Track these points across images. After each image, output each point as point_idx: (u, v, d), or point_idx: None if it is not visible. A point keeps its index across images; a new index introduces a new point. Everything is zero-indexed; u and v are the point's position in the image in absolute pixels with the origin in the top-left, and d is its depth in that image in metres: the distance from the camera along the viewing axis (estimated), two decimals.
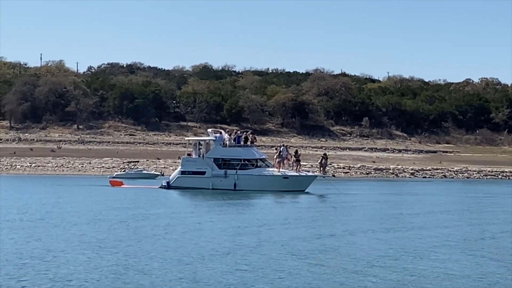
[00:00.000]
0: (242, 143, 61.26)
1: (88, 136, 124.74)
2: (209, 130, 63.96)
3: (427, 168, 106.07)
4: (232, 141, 61.17)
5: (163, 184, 61.81)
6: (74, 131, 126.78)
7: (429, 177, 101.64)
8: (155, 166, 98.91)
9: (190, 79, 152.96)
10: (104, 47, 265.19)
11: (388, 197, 58.00)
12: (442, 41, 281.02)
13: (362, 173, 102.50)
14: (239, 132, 66.65)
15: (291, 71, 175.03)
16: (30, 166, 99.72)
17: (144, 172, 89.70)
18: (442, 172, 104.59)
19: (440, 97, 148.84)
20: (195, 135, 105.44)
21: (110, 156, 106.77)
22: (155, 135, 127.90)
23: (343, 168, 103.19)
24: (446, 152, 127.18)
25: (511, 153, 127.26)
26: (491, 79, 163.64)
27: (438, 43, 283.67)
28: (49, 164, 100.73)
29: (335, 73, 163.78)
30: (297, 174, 59.99)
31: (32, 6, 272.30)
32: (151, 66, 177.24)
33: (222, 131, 63.81)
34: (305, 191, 58.52)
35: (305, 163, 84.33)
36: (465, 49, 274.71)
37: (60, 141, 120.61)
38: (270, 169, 60.29)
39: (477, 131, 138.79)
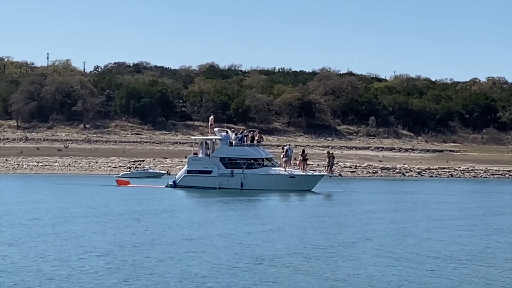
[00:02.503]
0: (246, 142, 61.11)
1: (94, 135, 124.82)
2: (216, 129, 63.66)
3: (434, 167, 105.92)
4: (238, 141, 61.05)
5: (169, 183, 61.78)
6: (80, 131, 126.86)
7: (435, 176, 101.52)
8: (161, 165, 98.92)
9: (196, 78, 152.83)
10: (110, 46, 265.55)
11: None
12: (448, 40, 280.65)
13: (369, 172, 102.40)
14: (245, 131, 66.62)
15: (298, 70, 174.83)
16: (37, 165, 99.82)
17: (150, 171, 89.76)
18: (449, 171, 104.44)
19: (447, 96, 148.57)
20: (202, 134, 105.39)
21: (116, 155, 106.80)
22: (161, 134, 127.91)
23: (350, 167, 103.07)
24: (453, 151, 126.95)
25: None
26: (498, 78, 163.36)
27: (444, 42, 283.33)
28: (56, 164, 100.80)
29: (341, 72, 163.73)
30: (303, 173, 59.92)
31: (38, 5, 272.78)
32: (158, 65, 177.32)
33: (228, 130, 63.71)
34: (312, 190, 58.46)
35: (311, 163, 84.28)
36: (471, 48, 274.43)
37: (67, 140, 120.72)
38: (277, 168, 60.20)
39: (484, 130, 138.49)
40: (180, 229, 30.23)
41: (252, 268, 20.71)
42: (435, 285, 18.91)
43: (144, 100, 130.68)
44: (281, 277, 19.53)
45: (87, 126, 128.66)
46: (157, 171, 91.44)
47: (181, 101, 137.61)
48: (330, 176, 62.16)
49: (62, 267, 20.59)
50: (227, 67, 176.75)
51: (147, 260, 21.93)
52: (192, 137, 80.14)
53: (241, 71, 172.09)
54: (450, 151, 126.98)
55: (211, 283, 18.67)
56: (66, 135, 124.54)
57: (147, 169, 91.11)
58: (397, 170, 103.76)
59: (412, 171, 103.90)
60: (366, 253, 23.85)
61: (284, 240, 26.92)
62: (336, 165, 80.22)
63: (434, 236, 28.83)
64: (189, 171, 61.11)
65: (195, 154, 63.05)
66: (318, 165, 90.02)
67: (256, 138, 62.09)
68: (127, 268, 20.49)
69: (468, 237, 28.78)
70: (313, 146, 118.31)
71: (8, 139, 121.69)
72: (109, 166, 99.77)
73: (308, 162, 65.94)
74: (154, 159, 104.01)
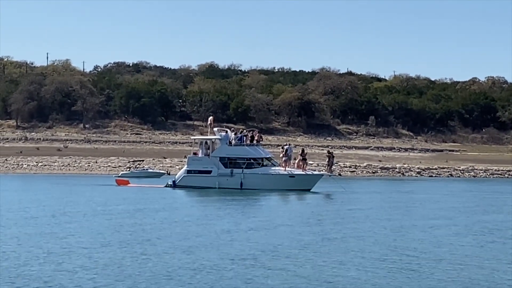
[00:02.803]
0: (245, 142, 61.09)
1: (94, 135, 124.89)
2: (215, 129, 63.61)
3: (434, 167, 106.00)
4: (237, 141, 61.03)
5: (169, 183, 61.77)
6: (80, 130, 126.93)
7: (435, 176, 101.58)
8: (161, 165, 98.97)
9: (196, 78, 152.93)
10: (110, 46, 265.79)
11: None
12: (448, 40, 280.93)
13: (369, 172, 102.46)
14: (245, 131, 66.61)
15: (297, 70, 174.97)
16: (37, 165, 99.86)
17: (149, 171, 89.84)
18: (448, 171, 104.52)
19: (447, 96, 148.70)
20: (201, 134, 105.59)
21: (116, 155, 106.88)
22: (161, 134, 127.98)
23: (350, 167, 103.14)
24: (453, 151, 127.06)
25: None
26: (497, 78, 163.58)
27: (444, 41, 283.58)
28: (55, 163, 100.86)
29: (341, 72, 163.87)
30: (303, 173, 59.90)
31: (38, 5, 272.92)
32: (157, 65, 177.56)
33: (228, 130, 63.68)
34: (311, 190, 58.43)
35: (311, 162, 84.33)
36: (471, 48, 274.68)
37: (67, 140, 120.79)
38: (276, 168, 60.20)
39: (484, 130, 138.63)
40: (175, 228, 30.31)
41: (246, 268, 20.74)
42: (429, 285, 18.92)
43: (144, 100, 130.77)
44: (268, 276, 19.52)
45: (86, 126, 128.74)
46: (157, 171, 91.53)
47: (180, 101, 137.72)
48: (330, 176, 62.13)
49: (58, 266, 20.61)
50: (226, 67, 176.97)
51: (142, 259, 21.96)
52: (192, 137, 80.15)
53: (240, 71, 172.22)
54: (450, 150, 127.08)
55: (195, 282, 18.69)
56: (65, 135, 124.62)
57: (146, 169, 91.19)
58: (397, 170, 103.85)
59: (411, 170, 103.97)
60: (360, 252, 23.85)
61: (280, 239, 26.92)
62: (335, 164, 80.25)
63: (430, 236, 28.85)
64: (188, 171, 61.08)
65: (194, 154, 63.00)
66: (318, 164, 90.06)
67: (256, 137, 62.08)
68: (121, 267, 20.51)
69: (465, 237, 28.81)
70: (312, 146, 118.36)
71: (7, 139, 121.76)
72: (109, 166, 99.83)
73: (307, 162, 65.94)
74: (153, 159, 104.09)
